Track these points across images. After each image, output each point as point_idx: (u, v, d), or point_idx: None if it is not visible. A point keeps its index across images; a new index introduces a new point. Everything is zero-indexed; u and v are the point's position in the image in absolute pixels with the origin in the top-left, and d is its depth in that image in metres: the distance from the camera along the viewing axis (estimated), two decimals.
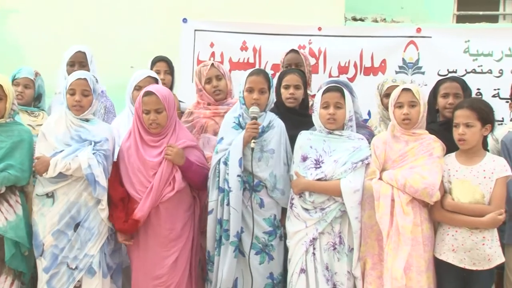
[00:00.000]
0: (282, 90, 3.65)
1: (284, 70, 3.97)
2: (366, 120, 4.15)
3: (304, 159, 3.31)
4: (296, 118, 3.56)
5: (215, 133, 3.65)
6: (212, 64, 3.76)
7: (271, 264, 3.37)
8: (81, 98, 3.37)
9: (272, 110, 3.56)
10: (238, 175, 3.28)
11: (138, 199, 3.32)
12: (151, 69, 4.20)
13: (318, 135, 3.33)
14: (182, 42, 5.01)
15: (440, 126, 3.42)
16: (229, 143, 3.36)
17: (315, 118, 3.34)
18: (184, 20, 5.01)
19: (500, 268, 3.32)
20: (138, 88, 3.72)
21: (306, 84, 3.75)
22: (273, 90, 3.50)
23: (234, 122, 3.43)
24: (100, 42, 5.23)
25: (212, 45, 4.98)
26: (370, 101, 3.96)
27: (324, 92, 3.30)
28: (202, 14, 5.23)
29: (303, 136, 3.36)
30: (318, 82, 4.14)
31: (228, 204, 3.30)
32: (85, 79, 3.41)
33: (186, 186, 3.41)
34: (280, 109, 3.63)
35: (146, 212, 3.30)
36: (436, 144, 3.18)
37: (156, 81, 3.82)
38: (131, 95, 3.77)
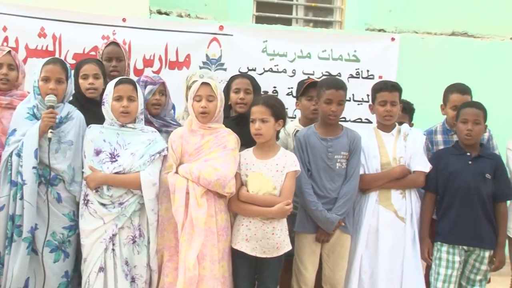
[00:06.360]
0: (81, 81, 3.58)
1: (81, 60, 3.86)
2: None
3: (98, 153, 3.25)
4: (96, 109, 3.46)
5: None
6: (9, 52, 3.53)
7: (66, 262, 3.27)
8: None
9: (71, 101, 3.45)
10: (34, 167, 3.14)
11: None
12: None
13: (111, 128, 3.30)
14: None
15: (232, 121, 3.60)
16: (23, 134, 3.21)
17: (106, 111, 3.31)
18: None
19: (290, 255, 3.58)
20: None
21: (105, 74, 3.69)
22: (71, 81, 3.40)
23: (28, 113, 3.27)
24: None
25: (5, 29, 4.60)
26: (174, 95, 4.00)
27: (116, 85, 3.29)
28: None
29: (94, 130, 3.31)
30: None
31: (21, 198, 3.14)
32: None
33: None
34: (79, 100, 3.54)
35: None
36: (230, 137, 3.34)
37: None
38: None
